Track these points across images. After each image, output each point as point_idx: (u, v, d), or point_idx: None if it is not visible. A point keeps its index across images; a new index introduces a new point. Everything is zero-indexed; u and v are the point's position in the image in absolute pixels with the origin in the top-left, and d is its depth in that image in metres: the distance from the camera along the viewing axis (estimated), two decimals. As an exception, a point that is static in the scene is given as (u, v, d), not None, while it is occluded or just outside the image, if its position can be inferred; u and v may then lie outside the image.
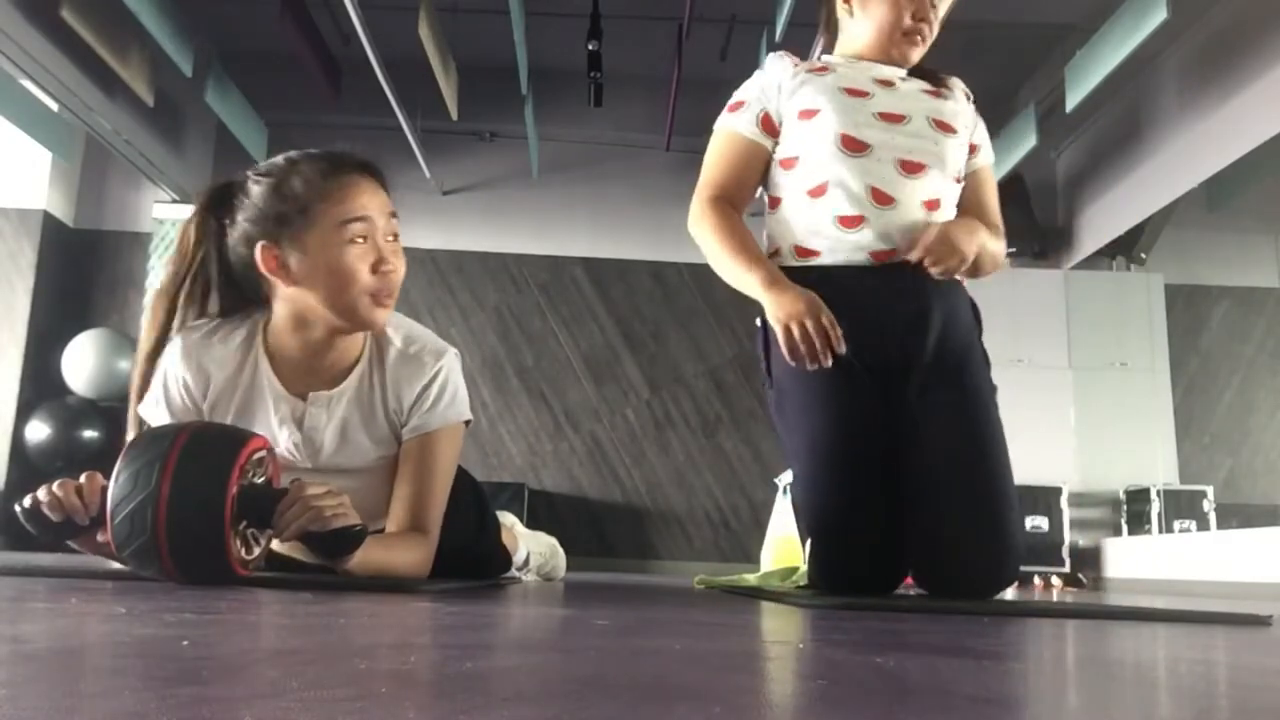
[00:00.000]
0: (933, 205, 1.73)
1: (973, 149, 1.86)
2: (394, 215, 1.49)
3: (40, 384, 5.42)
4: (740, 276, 1.70)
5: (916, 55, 1.83)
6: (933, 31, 1.83)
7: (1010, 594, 2.14)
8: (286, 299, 1.45)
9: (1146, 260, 5.86)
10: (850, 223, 1.70)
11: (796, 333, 1.59)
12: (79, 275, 5.80)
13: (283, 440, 1.49)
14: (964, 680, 0.58)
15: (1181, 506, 5.20)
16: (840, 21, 1.90)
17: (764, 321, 1.72)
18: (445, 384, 1.54)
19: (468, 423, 1.60)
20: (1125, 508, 5.44)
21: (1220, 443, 6.13)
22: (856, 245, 1.70)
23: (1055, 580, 5.22)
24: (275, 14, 4.33)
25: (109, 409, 5.44)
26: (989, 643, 0.90)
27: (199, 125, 5.91)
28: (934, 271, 1.66)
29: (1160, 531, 5.11)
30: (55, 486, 1.24)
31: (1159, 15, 3.72)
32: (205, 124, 5.89)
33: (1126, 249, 5.81)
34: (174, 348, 1.48)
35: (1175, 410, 5.75)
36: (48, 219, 5.56)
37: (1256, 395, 6.24)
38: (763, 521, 4.69)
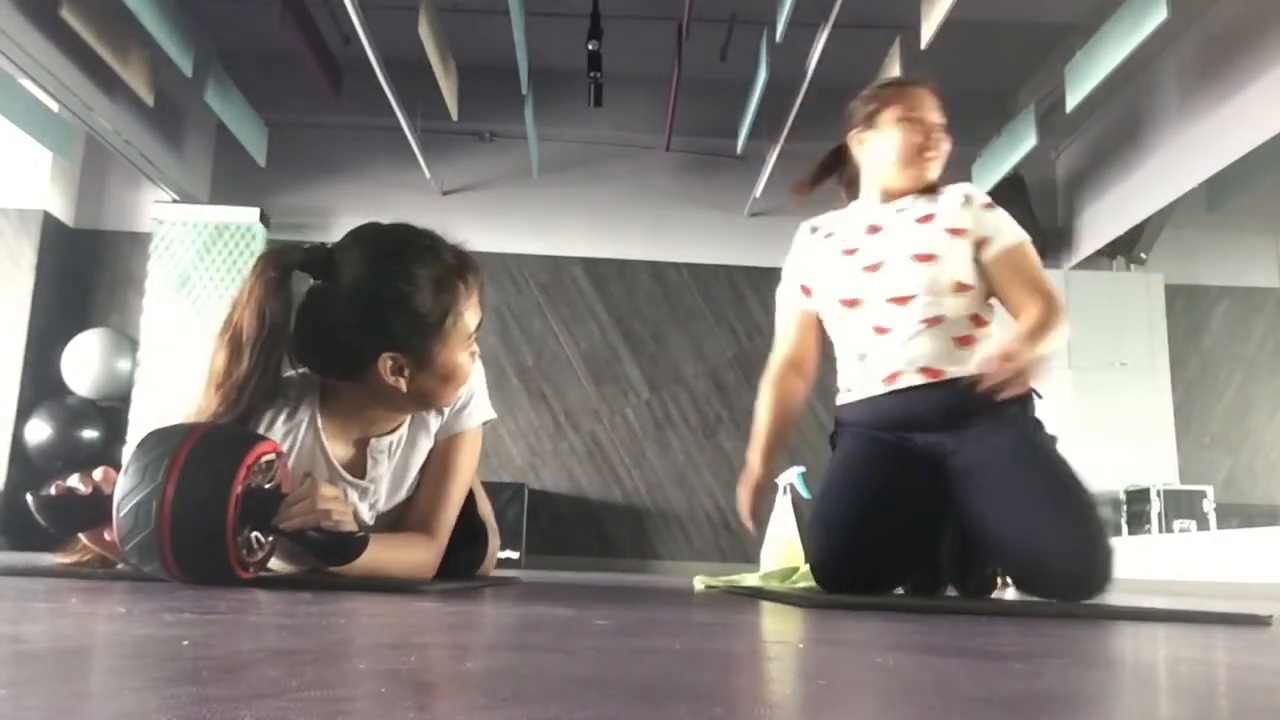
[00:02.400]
0: (931, 322, 1.89)
1: (982, 244, 1.91)
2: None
3: (40, 384, 5.42)
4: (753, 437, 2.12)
5: (936, 170, 1.97)
6: (945, 144, 1.96)
7: (1010, 594, 2.16)
8: (377, 388, 1.42)
9: (1146, 260, 5.86)
10: (860, 359, 1.95)
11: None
12: (79, 275, 5.80)
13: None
14: (964, 680, 0.58)
15: (1181, 506, 5.20)
16: (857, 158, 2.05)
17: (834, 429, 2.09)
18: (471, 389, 1.57)
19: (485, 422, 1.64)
20: (1125, 508, 5.43)
21: (1220, 443, 6.13)
22: (870, 376, 1.93)
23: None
24: (275, 14, 4.33)
25: (109, 409, 5.44)
26: (989, 643, 0.90)
27: (199, 125, 5.91)
28: (1001, 395, 1.72)
29: (1160, 531, 5.11)
30: (71, 479, 1.25)
31: (1159, 15, 3.72)
32: (205, 124, 5.89)
33: (1126, 249, 5.80)
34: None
35: (1175, 410, 5.75)
36: (48, 219, 5.56)
37: (1256, 395, 6.24)
38: (763, 521, 4.69)
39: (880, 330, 1.91)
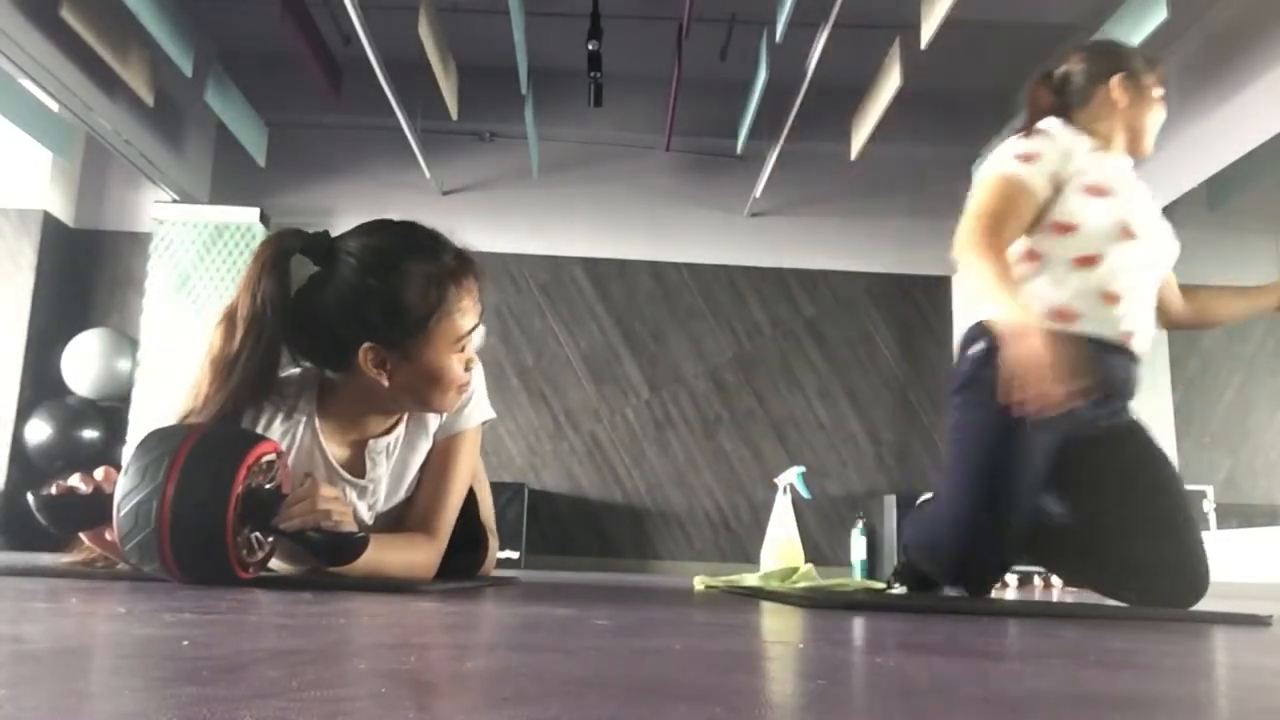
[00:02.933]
0: (1155, 291, 1.96)
1: None
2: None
3: (40, 384, 5.42)
4: (1007, 307, 1.73)
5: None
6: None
7: (1010, 594, 2.17)
8: (365, 383, 1.42)
9: (1146, 260, 5.85)
10: (1112, 300, 1.86)
11: (1027, 382, 1.62)
12: (79, 275, 5.80)
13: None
14: (964, 680, 0.58)
15: (1181, 506, 5.19)
16: (1097, 106, 2.01)
17: (988, 341, 1.83)
18: (471, 389, 1.58)
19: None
20: (1125, 508, 5.43)
21: (1220, 443, 6.13)
22: (1113, 321, 1.86)
23: (1055, 580, 5.22)
24: (275, 14, 4.32)
25: (109, 409, 5.44)
26: (989, 643, 0.90)
27: (199, 125, 5.91)
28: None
29: (1160, 531, 5.10)
30: (72, 479, 1.25)
31: (1159, 15, 3.72)
32: (205, 124, 5.89)
33: (1126, 249, 5.80)
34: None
35: (1175, 410, 5.75)
36: (48, 219, 5.55)
37: (1256, 395, 6.24)
38: (763, 521, 4.69)
39: (1132, 286, 1.88)
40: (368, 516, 1.53)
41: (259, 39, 5.37)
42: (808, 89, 4.66)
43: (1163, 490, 1.89)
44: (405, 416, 1.55)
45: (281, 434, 1.45)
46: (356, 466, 1.51)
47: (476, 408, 1.60)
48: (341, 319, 1.38)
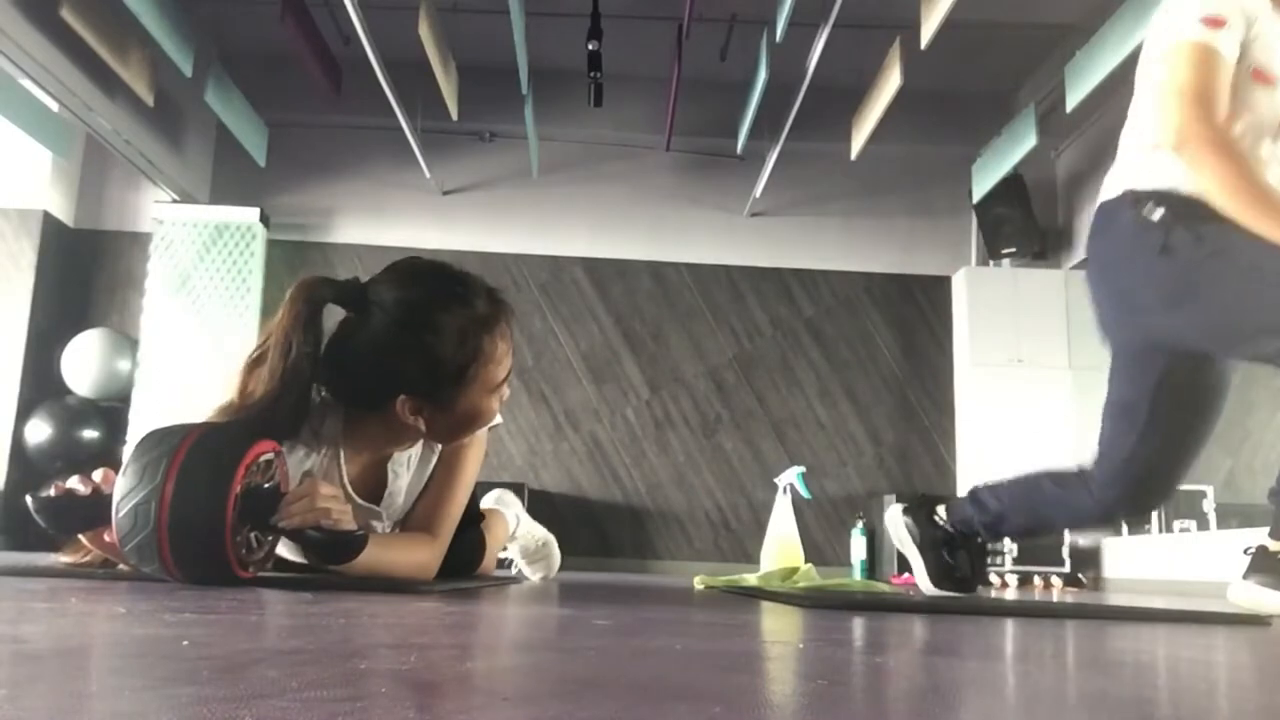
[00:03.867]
0: None
1: None
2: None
3: (40, 384, 5.42)
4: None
5: None
6: None
7: (1010, 594, 2.16)
8: (397, 423, 1.42)
9: (1147, 260, 5.85)
10: None
11: None
12: (79, 275, 5.80)
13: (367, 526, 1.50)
14: (964, 680, 0.58)
15: (1181, 506, 5.20)
16: None
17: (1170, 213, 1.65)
18: None
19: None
20: (1125, 508, 5.43)
21: (1220, 443, 6.12)
22: None
23: (1055, 580, 5.22)
24: (275, 14, 4.33)
25: (109, 409, 5.44)
26: (988, 643, 0.90)
27: (199, 125, 5.91)
28: None
29: (1160, 531, 5.11)
30: (71, 480, 1.25)
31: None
32: (205, 124, 5.88)
33: (1127, 249, 5.79)
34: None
35: (1175, 410, 5.74)
36: (48, 219, 5.56)
37: (1256, 395, 6.24)
38: (763, 521, 4.69)
39: None
40: (386, 527, 1.55)
41: (259, 39, 5.37)
42: (808, 89, 4.67)
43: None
44: None
45: (303, 456, 1.45)
46: (372, 483, 1.52)
47: None
48: (376, 371, 1.38)
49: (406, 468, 1.54)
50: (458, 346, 1.38)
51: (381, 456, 1.52)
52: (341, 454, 1.48)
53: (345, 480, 1.48)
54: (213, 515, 1.14)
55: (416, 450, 1.56)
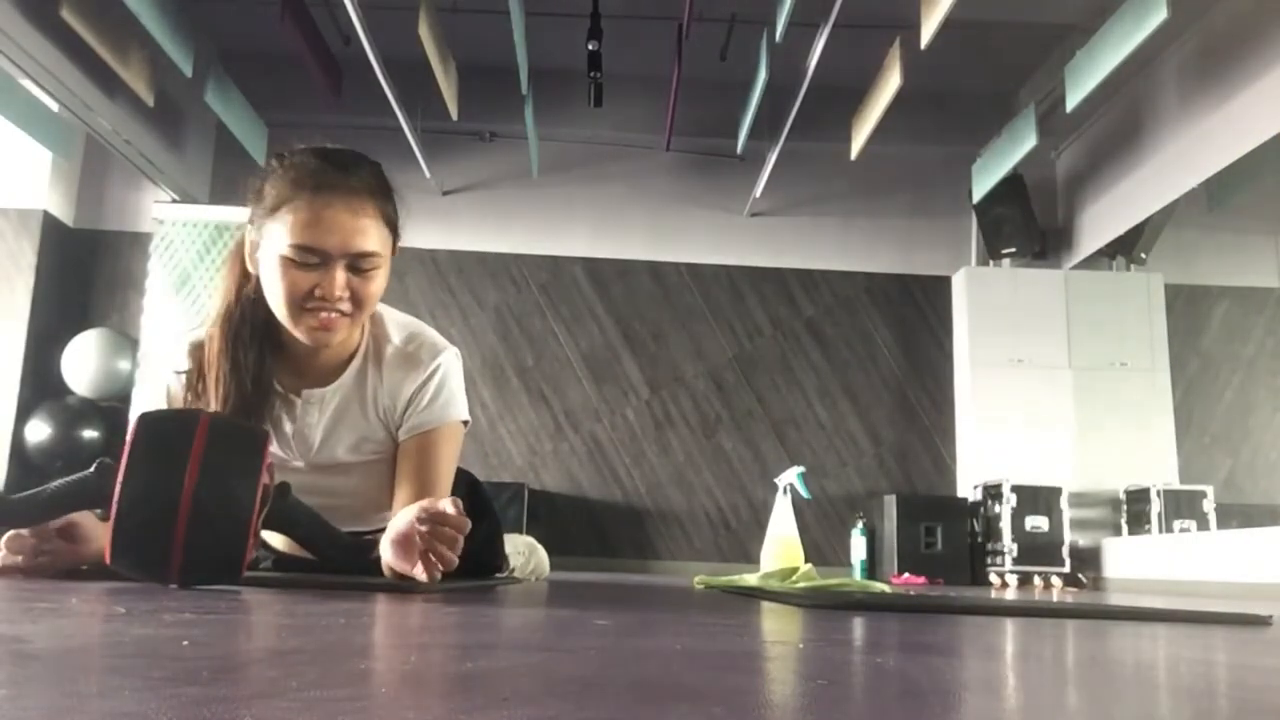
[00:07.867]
0: None
1: None
2: (367, 255, 1.38)
3: (40, 384, 5.42)
4: None
5: None
6: None
7: (1010, 594, 2.15)
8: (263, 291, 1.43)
9: (1146, 260, 5.86)
10: None
11: None
12: (79, 275, 5.80)
13: (275, 436, 1.48)
14: (964, 680, 0.58)
15: (1181, 506, 5.20)
16: None
17: None
18: (443, 383, 1.52)
19: (465, 423, 1.58)
20: (1125, 508, 5.43)
21: (1220, 443, 6.13)
22: None
23: (1055, 580, 5.22)
24: (275, 14, 4.32)
25: (109, 409, 5.44)
26: (989, 642, 0.90)
27: (199, 125, 5.91)
28: None
29: (1160, 531, 5.11)
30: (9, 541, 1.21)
31: (1159, 15, 3.72)
32: (205, 124, 5.88)
33: (1126, 249, 5.80)
34: (179, 348, 1.48)
35: (1175, 410, 5.75)
36: (48, 219, 5.55)
37: (1256, 395, 6.24)
38: (763, 521, 4.69)
39: None
40: (301, 464, 1.51)
41: (259, 39, 5.37)
42: (808, 89, 4.66)
43: None
44: (353, 368, 1.52)
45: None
46: (297, 413, 1.52)
47: (446, 405, 1.53)
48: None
49: (319, 406, 1.49)
50: (275, 186, 1.38)
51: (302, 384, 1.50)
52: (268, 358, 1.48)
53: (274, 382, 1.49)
54: (241, 507, 1.07)
55: (338, 389, 1.50)
